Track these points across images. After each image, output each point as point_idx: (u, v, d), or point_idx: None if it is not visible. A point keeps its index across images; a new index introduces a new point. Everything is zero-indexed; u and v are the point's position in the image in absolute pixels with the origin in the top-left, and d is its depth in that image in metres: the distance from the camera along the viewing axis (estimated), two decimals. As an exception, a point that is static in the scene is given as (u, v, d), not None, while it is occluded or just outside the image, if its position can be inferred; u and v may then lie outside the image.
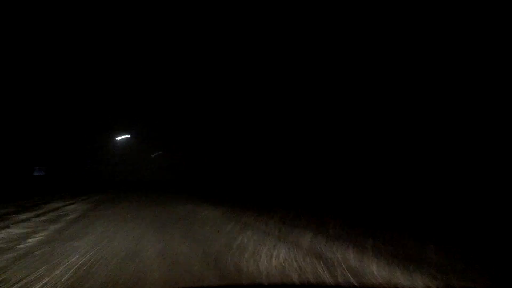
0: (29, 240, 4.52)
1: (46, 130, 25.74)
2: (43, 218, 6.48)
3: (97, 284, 2.92)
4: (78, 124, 30.11)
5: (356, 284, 3.00)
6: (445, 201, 10.08)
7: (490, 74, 14.98)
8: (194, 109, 40.76)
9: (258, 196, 12.83)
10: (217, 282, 3.04)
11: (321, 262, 3.58)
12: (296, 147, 26.84)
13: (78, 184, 20.63)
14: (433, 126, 17.10)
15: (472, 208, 8.33)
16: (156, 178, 39.39)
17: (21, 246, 4.21)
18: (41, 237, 4.76)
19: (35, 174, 25.31)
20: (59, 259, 3.63)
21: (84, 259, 3.67)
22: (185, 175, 41.66)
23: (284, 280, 3.08)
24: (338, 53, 23.10)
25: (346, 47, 22.43)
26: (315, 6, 21.98)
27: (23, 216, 6.49)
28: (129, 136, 40.66)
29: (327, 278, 3.16)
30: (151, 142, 46.80)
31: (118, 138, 39.72)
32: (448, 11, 16.77)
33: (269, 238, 4.66)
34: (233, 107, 34.19)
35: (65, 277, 3.07)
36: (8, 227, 5.41)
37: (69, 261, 3.57)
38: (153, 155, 48.84)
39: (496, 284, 3.12)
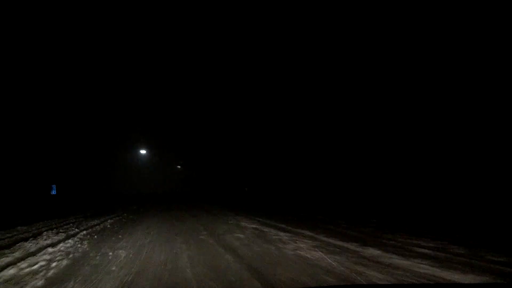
0: None
1: (62, 146, 23.04)
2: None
3: None
4: (96, 139, 27.52)
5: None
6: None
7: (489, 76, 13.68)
8: (209, 124, 38.02)
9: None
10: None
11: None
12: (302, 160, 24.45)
13: (93, 202, 17.49)
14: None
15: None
16: (176, 191, 36.31)
17: None
18: None
19: (52, 192, 22.57)
20: None
21: None
22: (205, 188, 38.60)
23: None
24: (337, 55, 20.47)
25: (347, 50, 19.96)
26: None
27: None
28: (146, 151, 38.04)
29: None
30: (170, 157, 44.42)
31: (141, 152, 37.11)
32: (448, 11, 15.32)
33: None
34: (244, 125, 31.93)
35: None
36: None
37: None
38: (173, 170, 46.31)
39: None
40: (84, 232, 6.54)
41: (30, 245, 4.96)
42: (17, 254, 4.29)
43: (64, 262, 3.90)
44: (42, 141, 20.14)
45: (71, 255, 4.30)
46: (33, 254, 4.31)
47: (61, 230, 6.76)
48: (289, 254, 4.21)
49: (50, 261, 3.96)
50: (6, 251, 4.52)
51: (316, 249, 4.48)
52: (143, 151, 36.14)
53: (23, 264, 3.66)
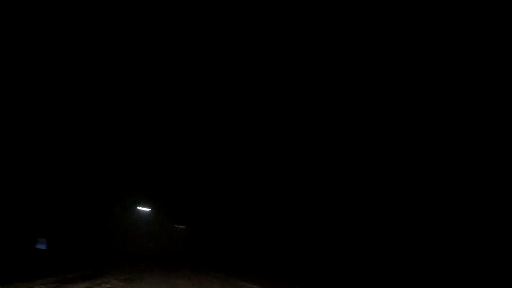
0: None
1: (54, 194, 20.86)
2: None
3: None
4: (92, 192, 25.49)
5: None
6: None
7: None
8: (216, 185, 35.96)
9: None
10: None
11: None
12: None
13: (84, 261, 14.50)
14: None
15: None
16: (179, 256, 32.73)
17: None
18: None
19: (39, 246, 19.71)
20: None
21: None
22: (212, 251, 34.97)
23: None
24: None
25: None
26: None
27: None
28: (150, 209, 35.49)
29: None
30: (173, 216, 41.94)
31: (140, 209, 34.59)
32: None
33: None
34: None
35: None
36: None
37: None
38: (176, 232, 43.56)
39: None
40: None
41: None
42: None
43: None
44: (32, 189, 18.20)
45: None
46: None
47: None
48: None
49: None
50: None
51: None
52: (144, 209, 33.68)
53: None
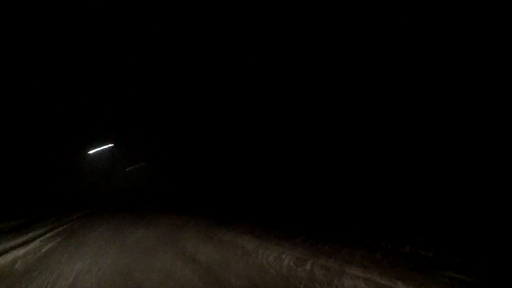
0: None
1: None
2: None
3: None
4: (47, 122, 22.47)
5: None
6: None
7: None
8: (182, 114, 34.17)
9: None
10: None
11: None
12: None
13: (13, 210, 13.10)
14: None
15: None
16: (142, 189, 31.90)
17: None
18: None
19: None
20: None
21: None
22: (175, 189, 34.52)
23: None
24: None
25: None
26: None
27: None
28: (110, 145, 32.92)
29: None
30: (135, 151, 40.13)
31: (95, 150, 31.94)
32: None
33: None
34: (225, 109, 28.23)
35: None
36: None
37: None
38: (128, 168, 41.97)
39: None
40: None
41: None
42: None
43: None
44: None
45: None
46: None
47: None
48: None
49: None
50: None
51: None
52: (105, 146, 31.28)
53: None
